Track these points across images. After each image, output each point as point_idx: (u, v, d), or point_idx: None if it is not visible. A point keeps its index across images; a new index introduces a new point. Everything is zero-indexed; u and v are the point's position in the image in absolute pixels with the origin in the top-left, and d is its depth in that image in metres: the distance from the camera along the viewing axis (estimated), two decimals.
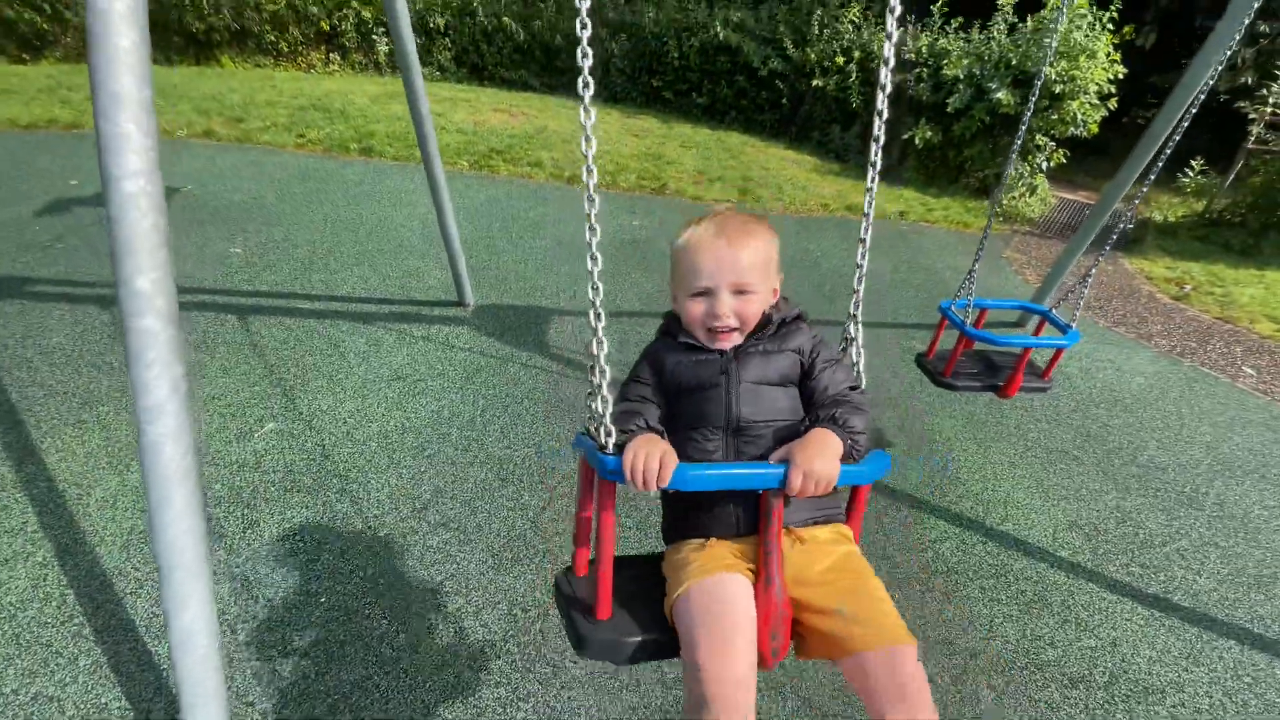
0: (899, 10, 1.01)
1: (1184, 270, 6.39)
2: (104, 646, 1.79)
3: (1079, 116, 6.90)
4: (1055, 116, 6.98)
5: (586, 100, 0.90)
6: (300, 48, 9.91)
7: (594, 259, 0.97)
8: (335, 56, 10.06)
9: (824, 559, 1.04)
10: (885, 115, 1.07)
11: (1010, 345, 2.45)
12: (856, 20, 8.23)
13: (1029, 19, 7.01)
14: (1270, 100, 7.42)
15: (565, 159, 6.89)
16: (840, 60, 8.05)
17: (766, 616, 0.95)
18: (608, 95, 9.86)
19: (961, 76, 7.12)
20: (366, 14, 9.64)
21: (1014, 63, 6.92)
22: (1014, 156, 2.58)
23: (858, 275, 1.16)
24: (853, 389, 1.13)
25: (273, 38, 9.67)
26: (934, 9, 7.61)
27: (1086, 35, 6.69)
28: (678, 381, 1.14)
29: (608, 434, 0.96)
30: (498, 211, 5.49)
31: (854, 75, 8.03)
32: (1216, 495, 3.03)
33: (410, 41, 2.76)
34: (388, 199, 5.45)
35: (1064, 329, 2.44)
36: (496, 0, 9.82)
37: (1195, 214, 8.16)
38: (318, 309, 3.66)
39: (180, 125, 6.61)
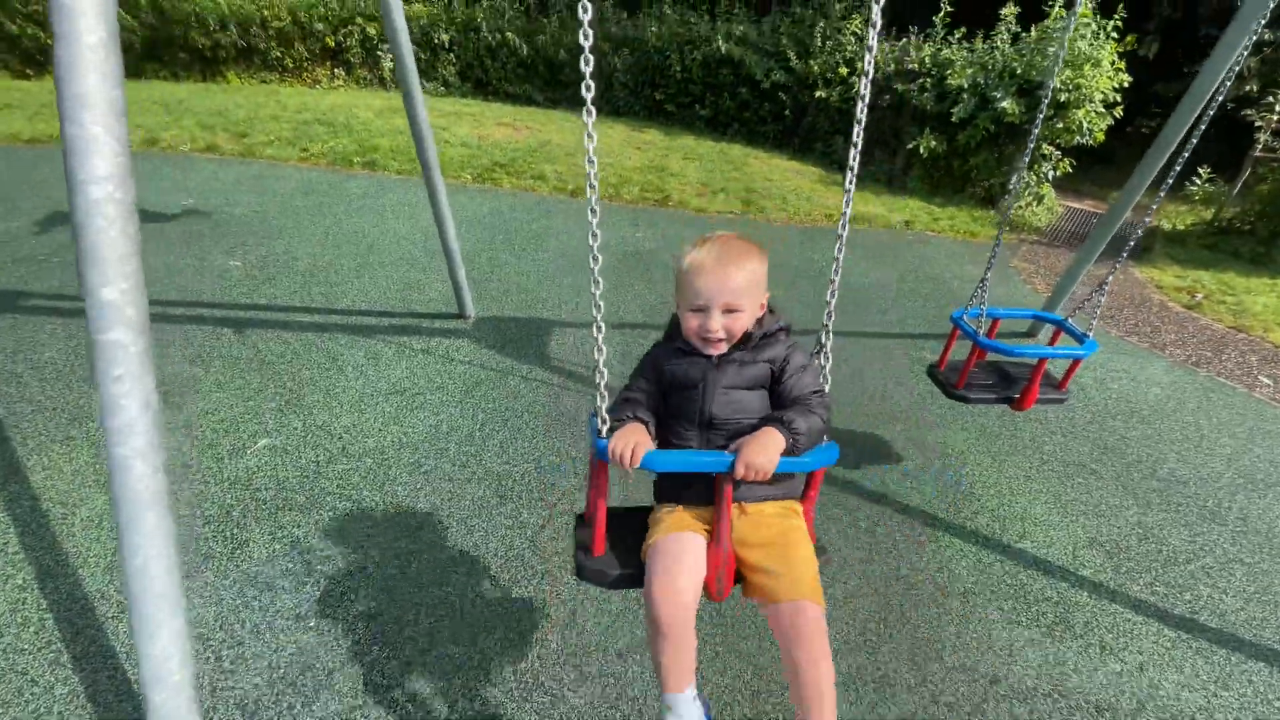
0: (879, 24, 1.17)
1: (1194, 279, 6.30)
2: (82, 674, 1.71)
3: (1085, 125, 6.84)
4: (1061, 125, 6.93)
5: (589, 104, 1.04)
6: (306, 63, 10.00)
7: (595, 258, 1.16)
8: (340, 72, 10.14)
9: (766, 529, 1.27)
10: (863, 122, 1.27)
11: (1025, 356, 2.36)
12: (859, 32, 8.23)
13: (1033, 29, 6.99)
14: (1278, 108, 7.36)
15: (568, 172, 6.87)
16: (843, 71, 8.04)
17: (714, 565, 1.22)
18: (610, 109, 9.89)
19: (966, 86, 7.09)
20: (371, 30, 9.72)
21: (1018, 72, 6.88)
22: (1024, 165, 2.51)
23: (830, 290, 1.29)
24: (815, 393, 1.31)
25: (278, 54, 9.76)
26: (936, 20, 7.60)
27: (1091, 44, 6.66)
28: (670, 381, 1.36)
29: (603, 422, 1.22)
30: (500, 224, 5.46)
31: (857, 86, 8.01)
32: (1239, 509, 2.92)
33: (409, 55, 2.74)
34: (390, 212, 5.43)
35: (1081, 339, 2.36)
36: (500, 16, 9.89)
37: (1204, 222, 8.07)
38: (316, 322, 3.61)
39: (184, 140, 6.64)
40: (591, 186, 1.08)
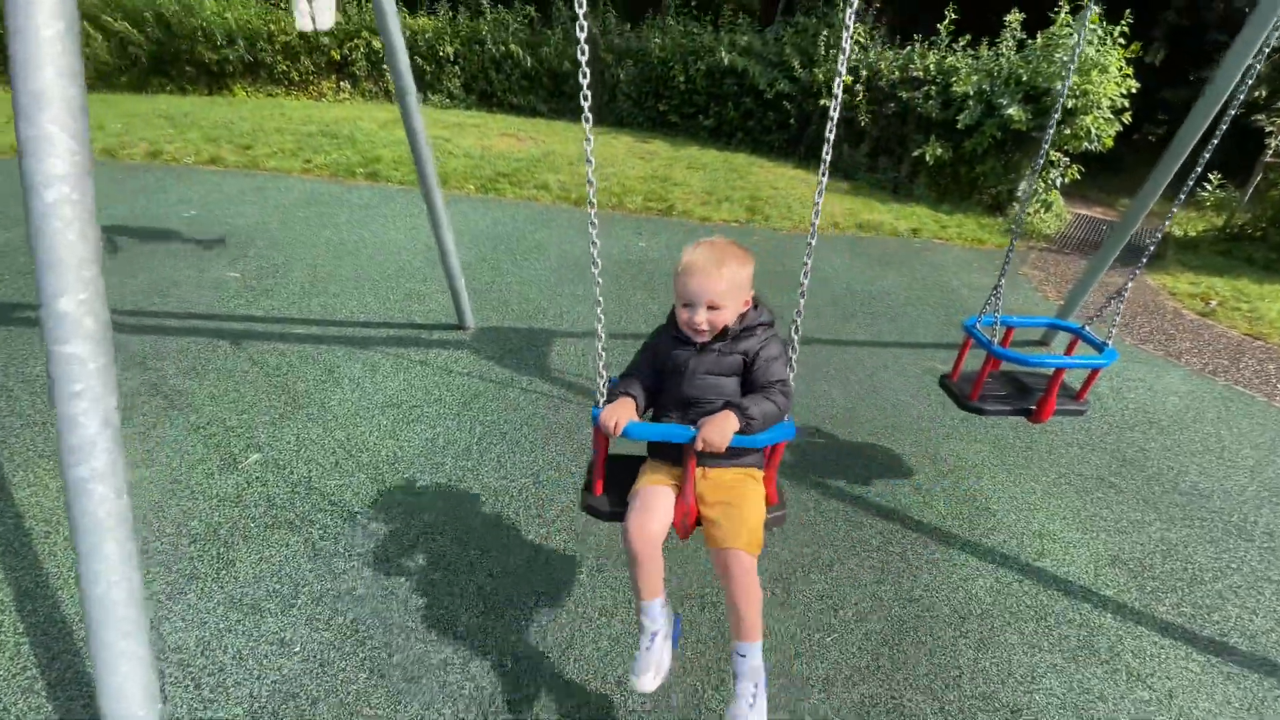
0: (852, 27, 1.32)
1: (1208, 285, 6.19)
2: (56, 703, 1.63)
3: (1093, 131, 6.77)
4: (1068, 131, 6.86)
5: (586, 111, 1.25)
6: (311, 77, 10.07)
7: (594, 243, 1.39)
8: (346, 85, 10.21)
9: (722, 491, 1.49)
10: (836, 118, 1.40)
11: (1043, 366, 2.27)
12: (863, 40, 8.21)
13: (1038, 35, 6.94)
14: None
15: (571, 181, 6.84)
16: (848, 79, 8.00)
17: (679, 513, 1.49)
18: (614, 120, 9.90)
19: (971, 93, 7.03)
20: (377, 44, 9.79)
21: (1024, 79, 6.82)
22: (1037, 173, 2.44)
23: (801, 290, 1.50)
24: (778, 382, 1.51)
25: (285, 67, 9.84)
26: (941, 27, 7.57)
27: (1098, 50, 6.60)
28: (663, 364, 1.60)
29: (601, 395, 1.53)
30: (503, 234, 5.42)
31: (861, 94, 7.98)
32: (1266, 524, 2.80)
33: (405, 67, 2.70)
34: (392, 222, 5.40)
35: (1100, 347, 2.26)
36: (504, 28, 9.95)
37: (1215, 228, 7.96)
38: (314, 334, 3.55)
39: (189, 152, 6.65)
40: (590, 176, 1.31)
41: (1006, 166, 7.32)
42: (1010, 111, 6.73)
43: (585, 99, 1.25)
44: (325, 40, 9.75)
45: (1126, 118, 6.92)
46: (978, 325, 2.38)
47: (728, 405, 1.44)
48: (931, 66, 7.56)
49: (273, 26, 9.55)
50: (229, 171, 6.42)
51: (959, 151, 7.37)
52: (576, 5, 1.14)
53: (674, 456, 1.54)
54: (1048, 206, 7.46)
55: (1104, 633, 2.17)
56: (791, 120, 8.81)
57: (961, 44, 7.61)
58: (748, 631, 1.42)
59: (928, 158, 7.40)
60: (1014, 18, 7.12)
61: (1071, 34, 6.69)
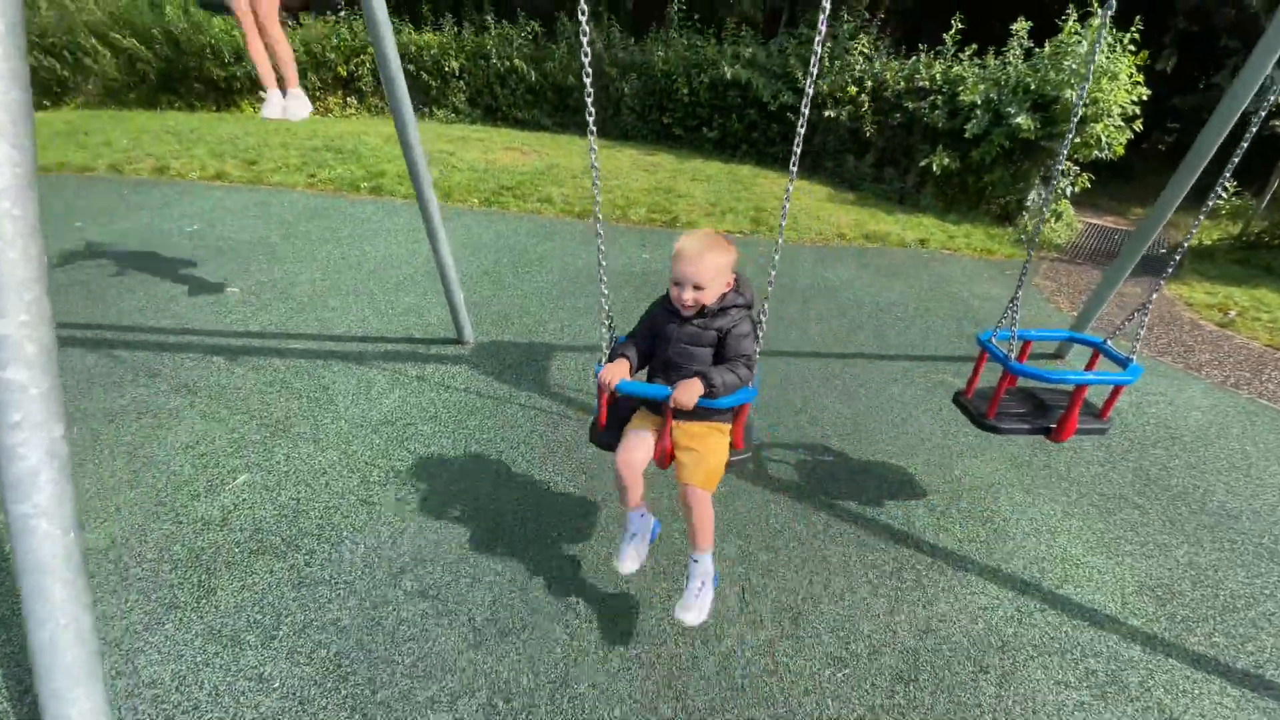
0: (824, 31, 1.53)
1: (1225, 295, 6.04)
2: None
3: (1103, 139, 6.66)
4: (1078, 140, 6.75)
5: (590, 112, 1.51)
6: (318, 92, 10.14)
7: (598, 219, 1.75)
8: (352, 100, 10.28)
9: (691, 439, 1.81)
10: (805, 118, 1.67)
11: (1063, 382, 2.16)
12: (867, 51, 8.17)
13: (1046, 43, 6.86)
14: None
15: (575, 194, 6.80)
16: (852, 90, 7.96)
17: (657, 451, 1.83)
18: (619, 133, 9.90)
19: (978, 102, 6.95)
20: None
21: (1032, 87, 6.74)
22: (1055, 185, 2.34)
23: (769, 282, 1.83)
24: (742, 356, 1.80)
25: None
26: (947, 37, 7.51)
27: (1107, 57, 6.51)
28: (656, 332, 1.90)
29: (603, 354, 1.89)
30: (505, 247, 5.37)
31: (866, 105, 7.92)
32: None
33: (399, 77, 2.65)
34: (394, 236, 5.36)
35: (1124, 363, 2.15)
36: (509, 43, 10.00)
37: (1231, 237, 7.81)
38: (310, 349, 3.49)
39: (194, 168, 6.67)
40: (594, 160, 1.66)
41: (1015, 176, 7.21)
42: (1018, 120, 6.64)
43: (589, 111, 1.52)
44: (332, 55, 9.83)
45: (1138, 125, 6.81)
46: (993, 340, 2.27)
47: (698, 373, 1.76)
48: (938, 76, 7.50)
49: None
50: (233, 187, 6.43)
51: (966, 161, 7.28)
52: (579, 12, 1.28)
53: (656, 408, 1.89)
54: (1058, 216, 7.34)
55: (1133, 667, 2.04)
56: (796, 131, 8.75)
57: (968, 53, 7.54)
58: (700, 544, 1.84)
59: (935, 167, 7.31)
60: (1021, 26, 7.05)
61: (1080, 41, 6.61)
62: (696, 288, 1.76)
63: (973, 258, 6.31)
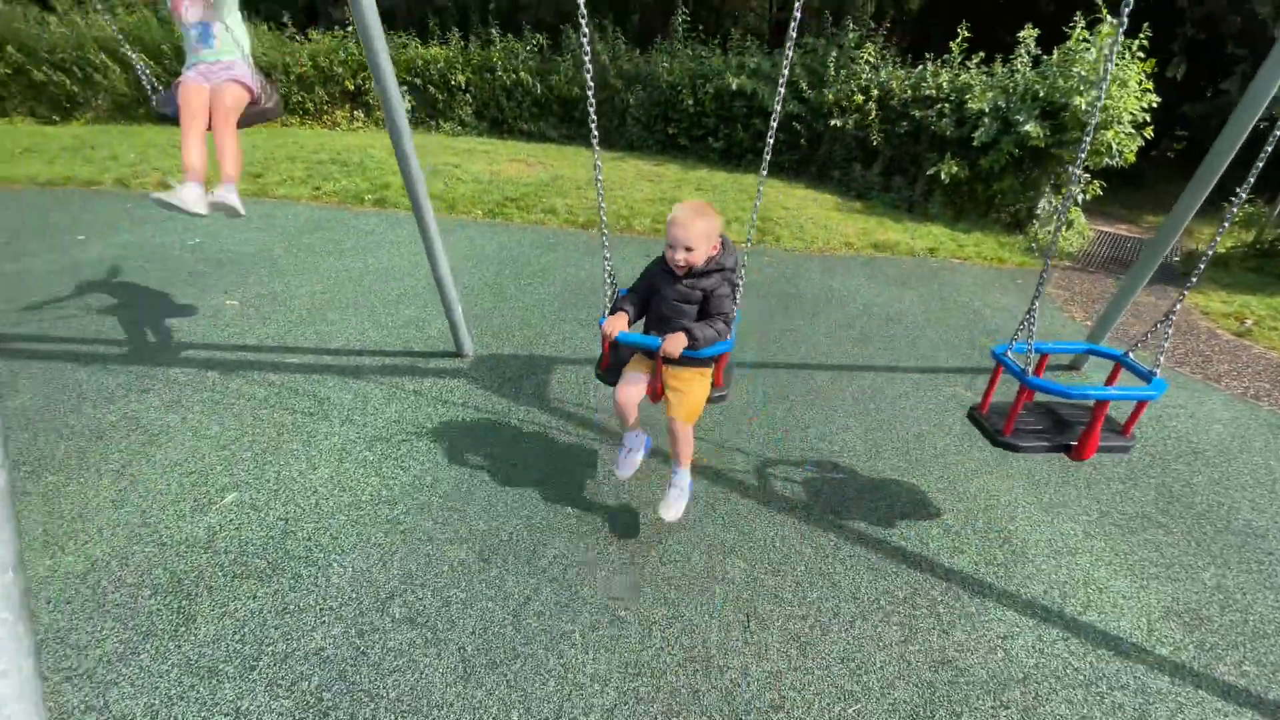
0: (794, 37, 1.87)
1: (1241, 304, 5.90)
2: None
3: (1114, 146, 6.56)
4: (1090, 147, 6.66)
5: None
6: (326, 106, 10.21)
7: (600, 193, 2.18)
8: (360, 114, 10.33)
9: (677, 381, 2.14)
10: (776, 123, 1.95)
11: (1084, 398, 2.05)
12: (873, 60, 8.12)
13: (1054, 50, 6.78)
14: None
15: (579, 205, 6.76)
16: (859, 99, 7.90)
17: (650, 388, 2.16)
18: (625, 144, 9.89)
19: (986, 110, 6.88)
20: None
21: (1041, 94, 6.66)
22: (1071, 196, 2.25)
23: (741, 272, 2.21)
24: (721, 314, 2.11)
25: (299, 98, 9.98)
26: (953, 45, 7.45)
27: (1116, 64, 6.42)
28: (652, 289, 2.20)
29: (606, 307, 2.24)
30: (508, 258, 5.32)
31: (873, 113, 7.86)
32: None
33: (394, 87, 2.61)
34: (397, 248, 5.33)
35: (1147, 377, 2.04)
36: (515, 57, 10.04)
37: (1245, 245, 7.65)
38: (307, 363, 3.43)
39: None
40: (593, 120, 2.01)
41: (1025, 184, 7.11)
42: (1027, 128, 6.55)
43: (592, 117, 1.98)
44: (339, 70, 9.90)
45: (1148, 132, 6.71)
46: (1009, 353, 2.17)
47: (684, 328, 2.05)
48: (945, 84, 7.43)
49: (288, 58, 9.72)
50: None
51: (975, 169, 7.20)
52: (579, 18, 1.46)
53: (650, 354, 2.15)
54: (1070, 224, 7.22)
55: (1162, 699, 1.92)
56: (802, 140, 8.71)
57: (975, 61, 7.48)
58: (679, 461, 2.26)
59: (943, 175, 7.22)
60: (1028, 33, 6.98)
61: (1088, 48, 6.53)
62: (687, 249, 2.04)
63: (983, 266, 6.20)
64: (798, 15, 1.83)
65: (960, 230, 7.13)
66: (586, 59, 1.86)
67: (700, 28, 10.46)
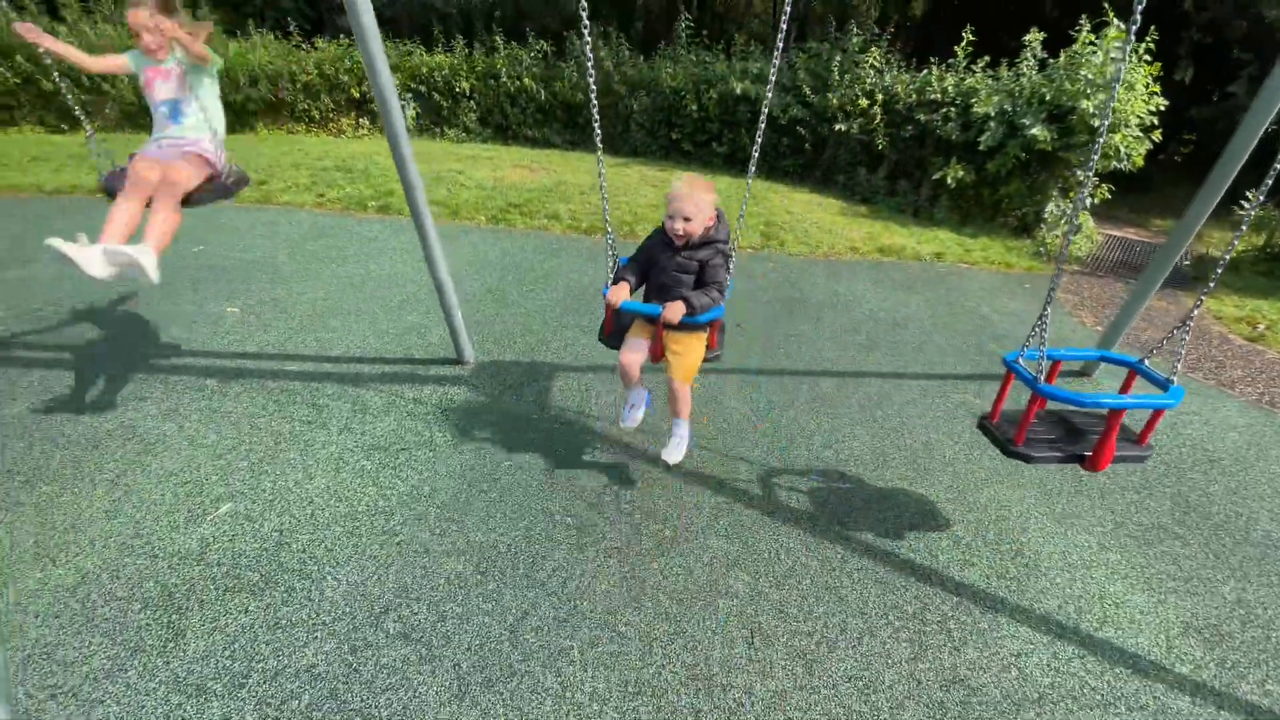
0: (780, 49, 2.29)
1: (1253, 308, 5.81)
2: None
3: (1122, 150, 6.49)
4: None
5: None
6: (331, 114, 10.25)
7: (600, 162, 2.49)
8: (365, 121, 10.36)
9: (676, 344, 2.35)
10: (763, 129, 2.48)
11: (1099, 407, 1.99)
12: (878, 64, 8.09)
13: (1061, 54, 6.73)
14: None
15: (582, 210, 6.74)
16: (864, 103, 7.86)
17: (651, 352, 2.39)
18: (629, 150, 9.89)
19: (992, 114, 6.82)
20: (395, 80, 9.94)
21: (1048, 98, 6.60)
22: (1083, 202, 2.19)
23: (734, 244, 2.43)
24: (715, 283, 2.29)
25: (305, 106, 10.03)
26: (958, 49, 7.41)
27: (1122, 64, 6.36)
28: (652, 259, 2.38)
29: (610, 277, 2.44)
30: (511, 264, 5.29)
31: (878, 118, 7.82)
32: None
33: (392, 95, 2.58)
34: (400, 254, 5.31)
35: (1164, 385, 1.98)
36: (519, 64, 10.06)
37: (1256, 249, 7.55)
38: (306, 370, 3.40)
39: None
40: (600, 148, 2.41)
41: (1032, 188, 7.04)
42: (1034, 132, 6.49)
43: (595, 121, 2.33)
44: (345, 78, 9.94)
45: (1156, 135, 6.63)
46: (1020, 360, 2.11)
47: (682, 297, 2.22)
48: (950, 88, 7.38)
49: (294, 67, 9.77)
50: (242, 206, 6.43)
51: (982, 173, 7.14)
52: (581, 25, 1.59)
53: (651, 320, 2.33)
54: (1079, 228, 7.14)
55: None
56: (806, 145, 8.67)
57: (980, 65, 7.43)
58: (679, 414, 2.49)
59: (949, 180, 7.17)
60: (1034, 37, 6.93)
61: (1094, 51, 6.47)
62: (686, 219, 2.22)
63: (990, 271, 6.13)
64: (784, 26, 2.27)
65: (966, 235, 7.06)
66: (589, 64, 2.15)
67: (705, 33, 10.47)
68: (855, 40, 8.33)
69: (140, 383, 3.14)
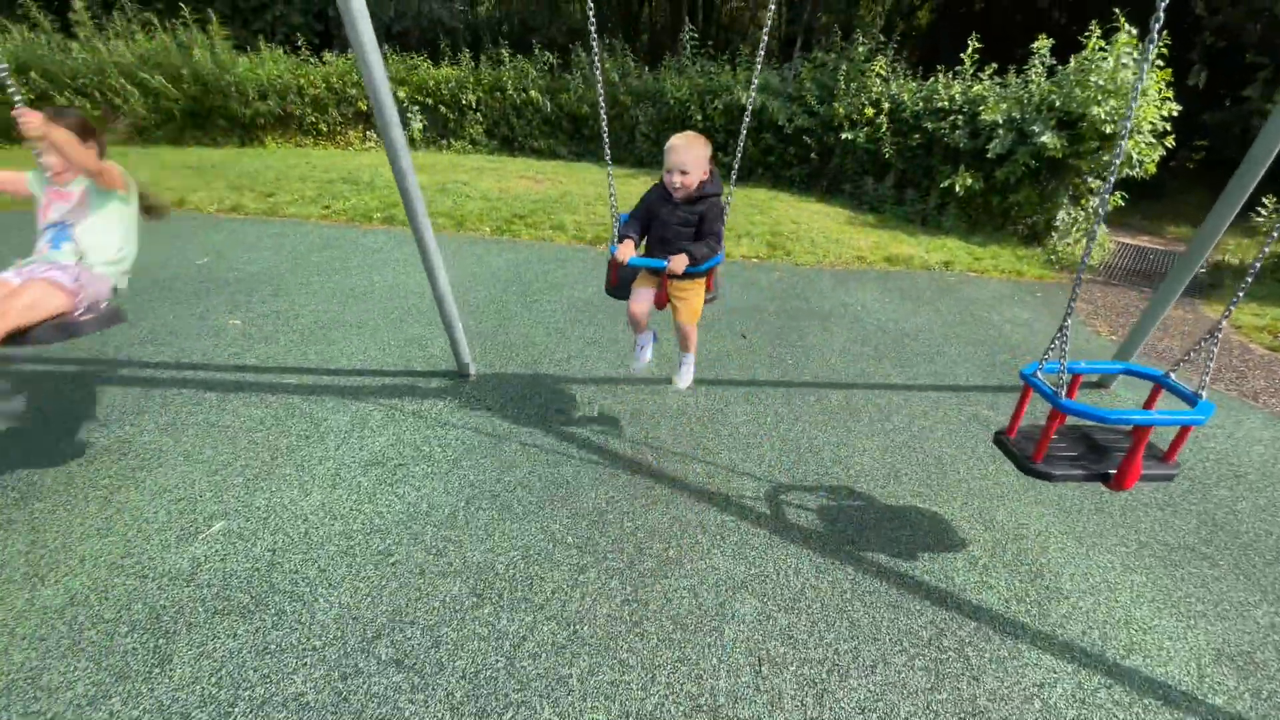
0: (762, 58, 2.65)
1: (1274, 317, 5.68)
2: None
3: (1134, 157, 6.39)
4: (1107, 158, 6.49)
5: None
6: (339, 127, 10.33)
7: (604, 130, 2.69)
8: (372, 134, 10.43)
9: (679, 291, 2.62)
10: (744, 136, 2.79)
11: (1125, 423, 1.89)
12: (884, 73, 8.05)
13: (1071, 59, 6.66)
14: None
15: (587, 221, 6.71)
16: (870, 112, 7.81)
17: (657, 300, 2.64)
18: (634, 161, 9.88)
19: (1000, 121, 6.75)
20: (401, 94, 10.02)
21: (1057, 104, 6.52)
22: (1101, 212, 2.11)
23: (728, 197, 2.70)
24: (713, 234, 2.51)
25: (313, 119, 10.11)
26: (965, 57, 7.36)
27: (1134, 73, 6.28)
28: (652, 214, 2.58)
29: (614, 236, 2.61)
30: (515, 275, 5.25)
31: (884, 126, 7.77)
32: None
33: (391, 107, 2.55)
34: (404, 266, 5.29)
35: (1192, 399, 1.89)
36: (525, 76, 10.11)
37: (1274, 256, 7.42)
38: (306, 384, 3.36)
39: (212, 201, 6.74)
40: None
41: (1042, 195, 6.95)
42: (1044, 139, 6.41)
43: (604, 121, 2.68)
44: (353, 91, 10.02)
45: (1169, 141, 6.53)
46: (1038, 373, 2.02)
47: (683, 249, 2.43)
48: (957, 96, 7.33)
49: (303, 80, 9.87)
50: (249, 219, 6.46)
51: (991, 181, 7.05)
52: (589, 36, 1.77)
53: (655, 271, 2.55)
54: (1091, 235, 7.03)
55: None
56: (812, 154, 8.63)
57: (988, 73, 7.38)
58: (687, 349, 2.83)
59: (957, 188, 7.09)
60: (1042, 43, 6.87)
61: (1105, 57, 6.40)
62: (683, 172, 2.39)
63: (1001, 280, 6.03)
64: (764, 38, 2.68)
65: (976, 243, 6.97)
66: (598, 75, 2.45)
67: (710, 44, 10.49)
68: (861, 49, 8.31)
69: (139, 396, 3.11)
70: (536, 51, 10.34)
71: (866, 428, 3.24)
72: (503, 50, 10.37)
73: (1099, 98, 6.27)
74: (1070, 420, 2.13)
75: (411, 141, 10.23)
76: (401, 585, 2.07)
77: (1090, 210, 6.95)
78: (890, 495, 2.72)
